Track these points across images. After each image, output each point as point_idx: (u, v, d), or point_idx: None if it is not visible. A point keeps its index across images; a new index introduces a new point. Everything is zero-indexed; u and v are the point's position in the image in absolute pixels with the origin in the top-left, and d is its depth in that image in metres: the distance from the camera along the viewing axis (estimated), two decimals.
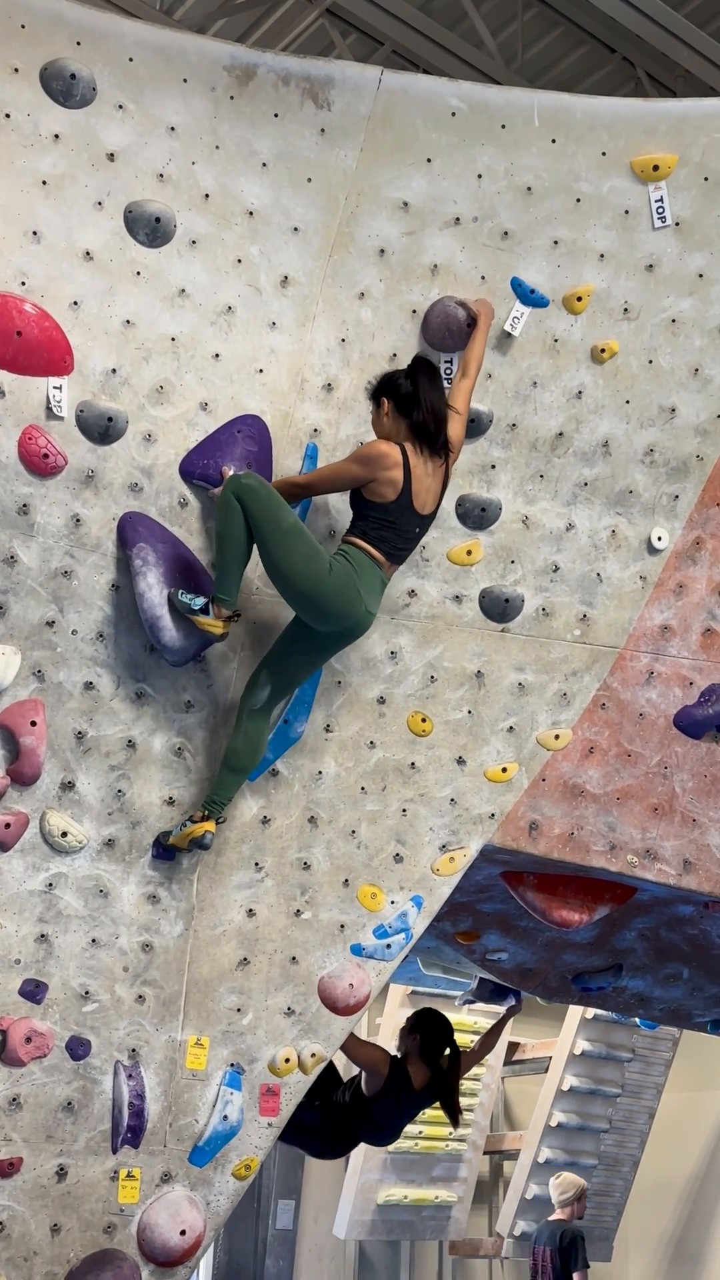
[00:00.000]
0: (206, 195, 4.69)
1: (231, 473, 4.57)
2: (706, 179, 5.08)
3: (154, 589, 4.41)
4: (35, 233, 4.47)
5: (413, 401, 4.54)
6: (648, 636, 5.13)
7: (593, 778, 5.04)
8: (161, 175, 4.63)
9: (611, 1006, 6.93)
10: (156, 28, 4.74)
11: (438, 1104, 6.40)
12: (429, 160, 4.87)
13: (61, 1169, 4.29)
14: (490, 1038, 7.05)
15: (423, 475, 4.53)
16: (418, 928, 4.83)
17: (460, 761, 4.93)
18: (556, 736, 5.04)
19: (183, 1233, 4.36)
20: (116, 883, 4.45)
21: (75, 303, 4.50)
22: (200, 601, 4.38)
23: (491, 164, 4.92)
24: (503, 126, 4.91)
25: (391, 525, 4.50)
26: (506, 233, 4.95)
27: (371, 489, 4.50)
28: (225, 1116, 4.49)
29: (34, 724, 4.35)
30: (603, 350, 5.04)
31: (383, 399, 4.59)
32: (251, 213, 4.74)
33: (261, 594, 4.65)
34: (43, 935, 4.34)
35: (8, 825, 4.30)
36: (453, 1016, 9.30)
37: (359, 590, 4.43)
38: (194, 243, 4.67)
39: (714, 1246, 10.89)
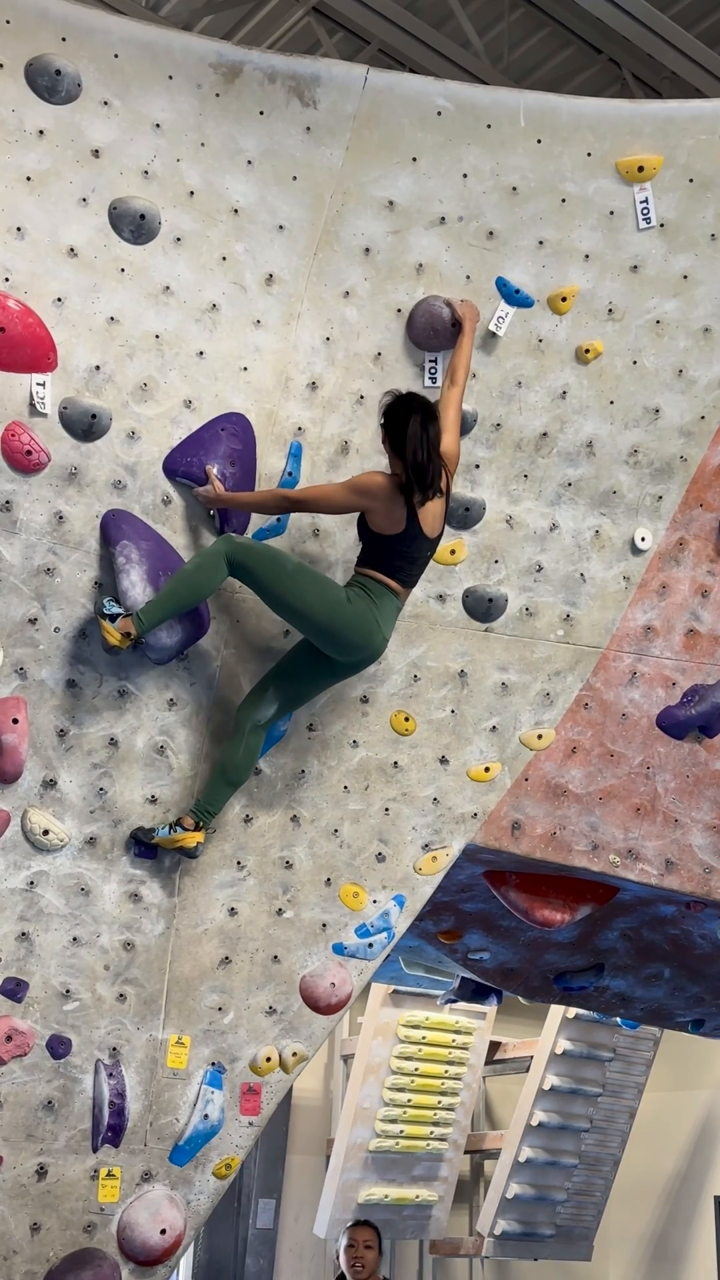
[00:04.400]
0: (191, 192, 4.68)
1: (215, 470, 4.56)
2: (692, 180, 5.09)
3: (137, 587, 4.40)
4: (19, 229, 4.45)
5: (401, 449, 4.45)
6: (631, 637, 5.14)
7: (575, 778, 5.05)
8: (146, 172, 4.62)
9: (593, 1006, 6.93)
10: (142, 24, 4.73)
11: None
12: (415, 159, 4.87)
13: (41, 1168, 4.28)
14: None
15: (426, 504, 4.50)
16: (400, 927, 4.83)
17: (443, 761, 4.93)
18: (539, 736, 5.04)
19: (163, 1232, 4.35)
20: (98, 881, 4.44)
21: (59, 299, 4.49)
22: (115, 609, 4.32)
23: (477, 164, 4.92)
24: (489, 126, 4.91)
25: (404, 554, 4.50)
26: (492, 232, 4.95)
27: (375, 522, 4.49)
28: (206, 1115, 4.48)
29: (16, 721, 4.34)
30: (587, 351, 5.05)
31: (385, 433, 4.53)
32: (237, 210, 4.73)
33: (245, 594, 4.65)
34: (23, 933, 4.33)
35: None
36: (434, 1016, 9.39)
37: (378, 620, 4.44)
38: (179, 240, 4.66)
39: (694, 1246, 10.91)
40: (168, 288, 4.64)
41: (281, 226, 4.77)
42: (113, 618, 4.31)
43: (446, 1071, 9.56)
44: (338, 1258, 7.58)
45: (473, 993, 7.11)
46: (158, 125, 4.64)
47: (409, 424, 4.45)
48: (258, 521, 4.70)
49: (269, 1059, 4.60)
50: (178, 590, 4.38)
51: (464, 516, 4.96)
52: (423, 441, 4.44)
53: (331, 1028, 4.77)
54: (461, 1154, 9.90)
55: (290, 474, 4.76)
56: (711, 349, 5.16)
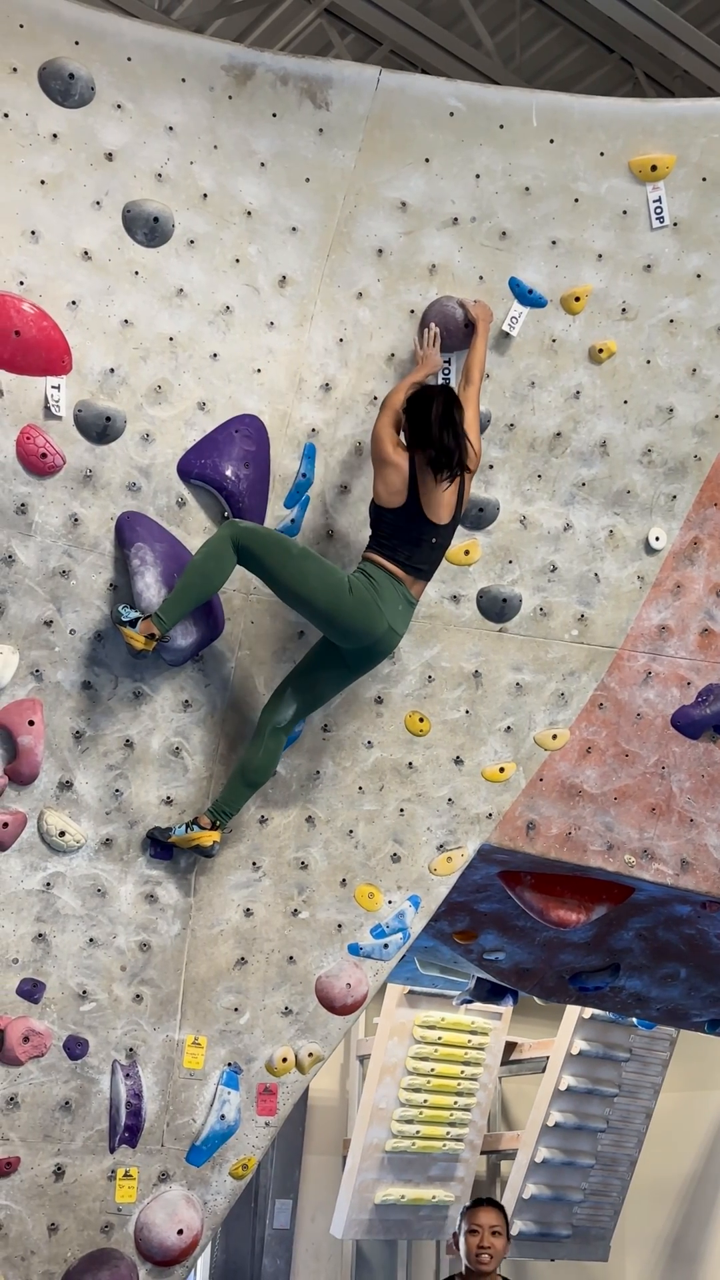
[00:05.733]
0: (205, 195, 4.69)
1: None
2: (705, 179, 5.08)
3: (151, 589, 4.41)
4: (33, 232, 4.47)
5: (425, 432, 4.47)
6: (645, 636, 5.14)
7: (590, 778, 5.05)
8: (160, 175, 4.63)
9: (609, 1006, 6.92)
10: (155, 27, 4.74)
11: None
12: (427, 160, 4.87)
13: (59, 1168, 4.29)
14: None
15: (432, 484, 4.50)
16: (415, 927, 4.84)
17: (458, 761, 4.93)
18: (554, 736, 5.04)
19: (180, 1232, 4.36)
20: (114, 882, 4.45)
21: (73, 302, 4.51)
22: (132, 615, 4.32)
23: (490, 164, 4.92)
24: (501, 126, 4.91)
25: (404, 533, 4.49)
26: (505, 233, 4.95)
27: (378, 490, 4.51)
28: (223, 1116, 4.49)
29: (32, 723, 4.35)
30: (601, 350, 5.05)
31: (406, 423, 4.53)
32: (250, 212, 4.74)
33: (259, 594, 4.66)
34: (40, 934, 4.34)
35: (5, 825, 4.30)
36: (450, 1016, 9.39)
37: (379, 607, 4.42)
38: (192, 242, 4.67)
39: (711, 1246, 10.88)
40: (181, 290, 4.65)
41: (294, 228, 4.78)
42: (132, 623, 4.31)
43: (462, 1072, 9.56)
44: (455, 1245, 6.04)
45: (488, 993, 7.11)
46: (170, 128, 4.65)
47: (432, 408, 4.48)
48: (272, 521, 4.71)
49: (285, 1059, 4.60)
50: (192, 583, 4.39)
51: (478, 517, 4.96)
52: (447, 422, 4.47)
53: (347, 1028, 4.77)
54: (478, 1154, 9.90)
55: (304, 475, 4.76)
56: None
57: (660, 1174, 10.94)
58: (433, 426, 4.46)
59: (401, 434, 4.55)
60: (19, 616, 4.39)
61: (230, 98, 4.71)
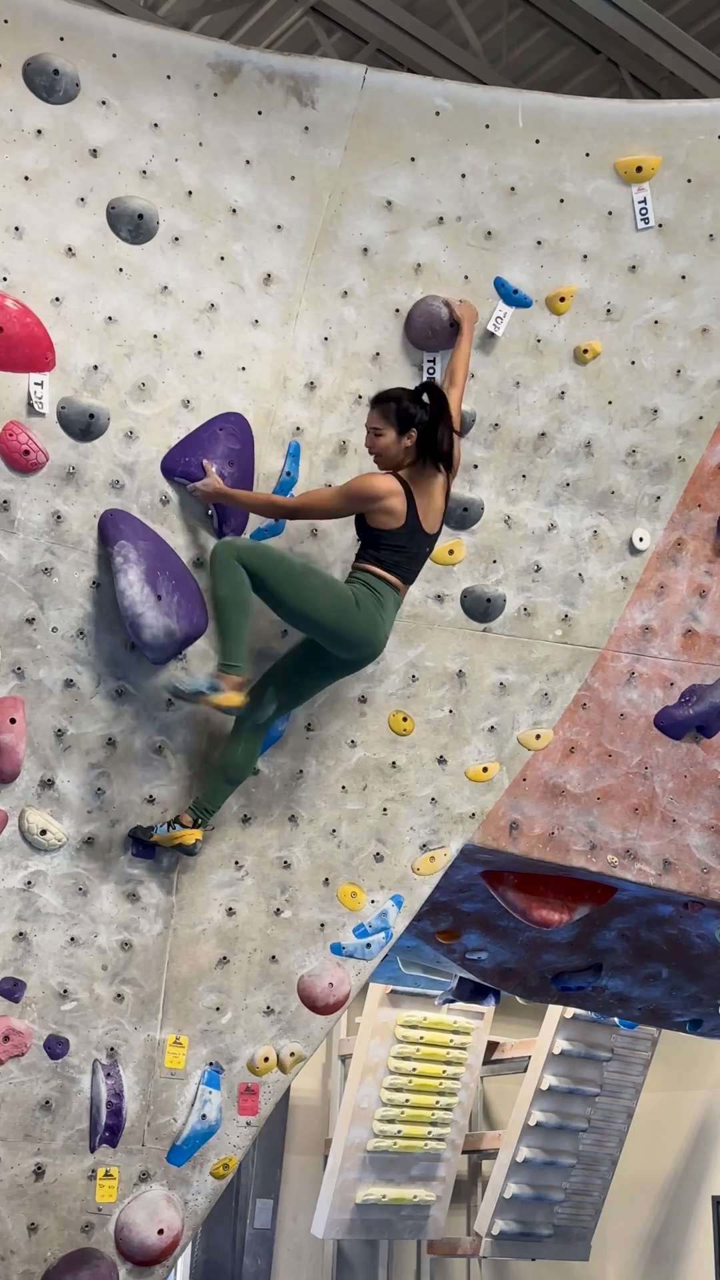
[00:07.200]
0: (190, 192, 4.68)
1: (214, 470, 4.56)
2: (690, 181, 5.09)
3: (135, 587, 4.39)
4: (17, 228, 4.45)
5: (431, 437, 4.49)
6: (629, 637, 5.14)
7: (573, 778, 5.05)
8: (145, 172, 4.62)
9: (591, 1006, 6.93)
10: (141, 24, 4.73)
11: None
12: (413, 159, 4.87)
13: (39, 1168, 4.28)
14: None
15: (426, 498, 4.51)
16: (398, 927, 4.83)
17: (441, 761, 4.93)
18: (537, 736, 5.04)
19: (160, 1232, 4.35)
20: (96, 881, 4.44)
21: (57, 299, 4.49)
22: (205, 682, 4.31)
23: (476, 164, 4.92)
24: (487, 126, 4.91)
25: (403, 549, 4.49)
26: (490, 232, 4.95)
27: (375, 519, 4.48)
28: (204, 1115, 4.48)
29: (13, 721, 4.34)
30: (585, 351, 5.05)
31: (411, 430, 4.49)
32: (235, 210, 4.73)
33: None
34: (21, 933, 4.32)
35: None
36: (432, 1016, 9.39)
37: (382, 618, 4.44)
38: (177, 240, 4.66)
39: (691, 1246, 10.91)
40: (166, 287, 4.64)
41: (280, 226, 4.77)
42: (213, 689, 4.28)
43: (444, 1071, 9.57)
44: None
45: (470, 992, 7.11)
46: (156, 125, 4.64)
47: (436, 416, 4.50)
48: (255, 522, 4.70)
49: (267, 1059, 4.60)
50: (228, 615, 4.34)
51: (462, 516, 4.96)
52: (447, 435, 4.51)
53: (329, 1028, 4.77)
54: (459, 1154, 9.91)
55: (288, 474, 4.76)
56: (709, 349, 5.16)
57: (641, 1173, 10.97)
58: (438, 431, 4.49)
59: (407, 448, 4.52)
60: (1, 614, 4.37)
61: (216, 95, 4.70)
